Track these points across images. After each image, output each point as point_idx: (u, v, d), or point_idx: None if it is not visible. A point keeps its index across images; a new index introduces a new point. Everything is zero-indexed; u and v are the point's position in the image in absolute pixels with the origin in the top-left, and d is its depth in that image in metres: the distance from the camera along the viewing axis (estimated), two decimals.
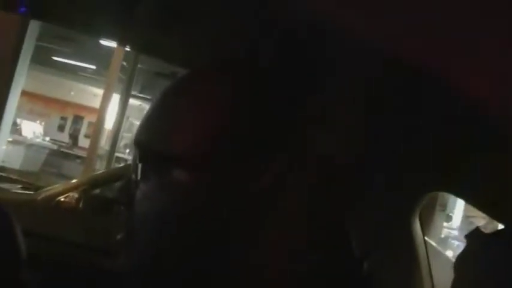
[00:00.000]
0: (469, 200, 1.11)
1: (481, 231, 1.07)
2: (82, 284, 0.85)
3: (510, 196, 0.94)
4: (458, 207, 11.97)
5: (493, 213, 1.11)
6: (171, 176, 0.65)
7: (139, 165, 0.69)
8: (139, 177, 0.68)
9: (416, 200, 1.31)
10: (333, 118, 0.69)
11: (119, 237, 0.71)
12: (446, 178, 1.14)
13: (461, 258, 1.08)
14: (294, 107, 0.67)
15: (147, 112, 0.72)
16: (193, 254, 0.65)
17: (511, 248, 0.95)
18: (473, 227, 1.13)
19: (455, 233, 11.75)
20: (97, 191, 4.01)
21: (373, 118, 0.93)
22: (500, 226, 1.15)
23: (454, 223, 12.15)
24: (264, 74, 0.68)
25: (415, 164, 1.14)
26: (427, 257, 1.37)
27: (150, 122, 0.70)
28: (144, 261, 0.68)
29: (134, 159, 0.71)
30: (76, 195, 3.55)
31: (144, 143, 0.69)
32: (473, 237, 1.09)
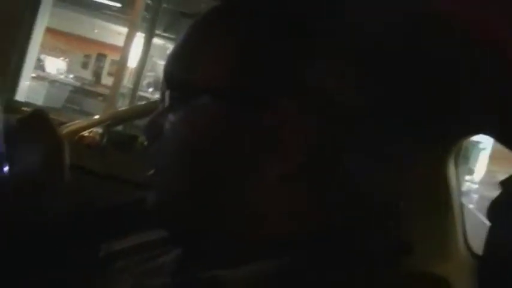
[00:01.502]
0: (506, 143, 1.08)
1: None
2: (109, 214, 0.87)
3: None
4: (481, 160, 11.93)
5: None
6: (197, 105, 0.66)
7: (167, 93, 0.70)
8: (167, 105, 0.70)
9: (451, 144, 1.28)
10: (341, 60, 0.68)
11: (148, 171, 0.72)
12: (482, 120, 1.11)
13: (496, 205, 1.07)
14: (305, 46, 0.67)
15: (175, 45, 0.73)
16: (213, 188, 0.67)
17: None
18: (495, 181, 1.12)
19: (476, 186, 11.72)
20: (120, 127, 4.05)
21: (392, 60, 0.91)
22: None
23: (476, 177, 12.11)
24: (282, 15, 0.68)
25: (450, 105, 1.11)
26: (462, 208, 1.33)
27: (178, 53, 0.72)
28: (170, 196, 0.69)
29: (162, 89, 0.72)
30: (99, 130, 3.57)
31: (172, 72, 0.71)
32: (510, 183, 1.07)
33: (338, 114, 0.65)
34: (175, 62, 0.71)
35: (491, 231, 1.04)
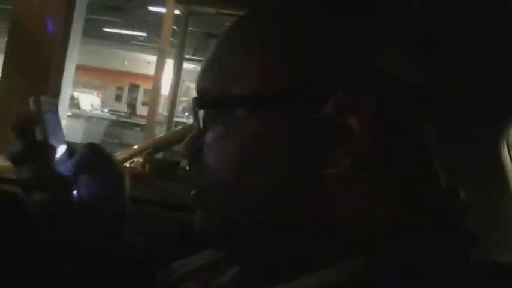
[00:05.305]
0: None
1: None
2: (164, 239, 0.86)
3: None
4: None
5: None
6: (236, 120, 0.61)
7: (202, 113, 0.65)
8: (202, 126, 0.65)
9: (506, 125, 1.21)
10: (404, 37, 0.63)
11: (192, 193, 0.67)
12: None
13: None
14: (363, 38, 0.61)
15: (205, 61, 0.68)
16: (269, 205, 0.60)
17: None
18: None
19: None
20: (160, 154, 4.05)
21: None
22: None
23: None
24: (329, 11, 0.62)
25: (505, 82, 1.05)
26: None
27: (209, 69, 0.66)
28: (219, 218, 0.64)
29: (195, 109, 0.66)
30: (141, 160, 3.58)
31: (204, 89, 0.66)
32: None
33: (405, 98, 0.60)
34: (210, 76, 0.66)
35: None
